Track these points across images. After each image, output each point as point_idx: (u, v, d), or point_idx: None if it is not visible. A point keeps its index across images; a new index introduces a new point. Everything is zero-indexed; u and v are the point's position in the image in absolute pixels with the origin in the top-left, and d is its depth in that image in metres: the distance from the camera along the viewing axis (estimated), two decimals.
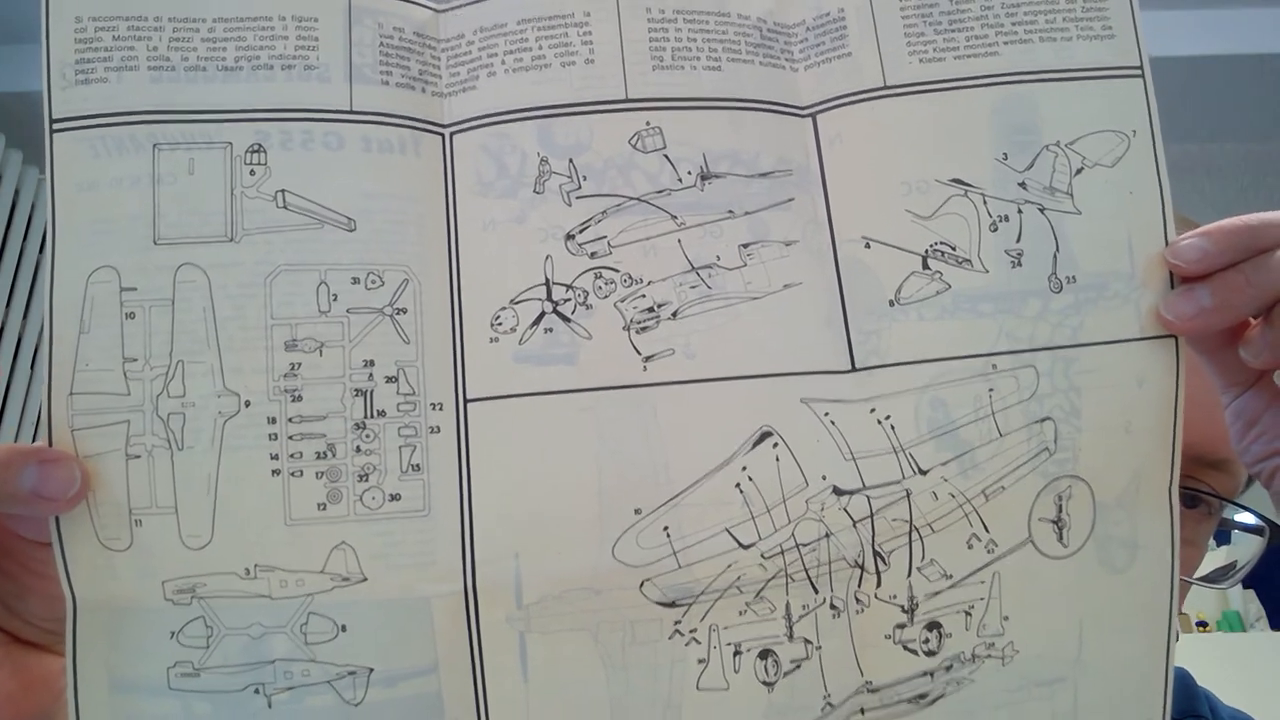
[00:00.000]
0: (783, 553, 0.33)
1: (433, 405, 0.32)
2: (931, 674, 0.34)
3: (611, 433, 0.32)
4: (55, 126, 0.31)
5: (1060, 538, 0.34)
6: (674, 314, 0.33)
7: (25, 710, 0.32)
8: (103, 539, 0.30)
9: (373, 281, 0.32)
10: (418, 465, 0.31)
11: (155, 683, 0.30)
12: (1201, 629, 2.09)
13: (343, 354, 0.31)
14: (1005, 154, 0.35)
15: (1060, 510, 0.34)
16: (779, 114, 0.35)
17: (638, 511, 0.32)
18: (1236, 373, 0.35)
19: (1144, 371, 0.34)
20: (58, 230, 0.30)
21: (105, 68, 0.31)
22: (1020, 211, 0.34)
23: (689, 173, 0.33)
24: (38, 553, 0.32)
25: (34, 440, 0.33)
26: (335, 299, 0.31)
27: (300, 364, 0.31)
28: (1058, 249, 0.34)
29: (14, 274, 1.97)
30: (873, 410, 0.33)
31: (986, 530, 0.34)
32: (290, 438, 0.31)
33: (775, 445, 0.33)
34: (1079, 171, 0.35)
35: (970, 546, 0.34)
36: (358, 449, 0.31)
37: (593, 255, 0.33)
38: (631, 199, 0.33)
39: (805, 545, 0.33)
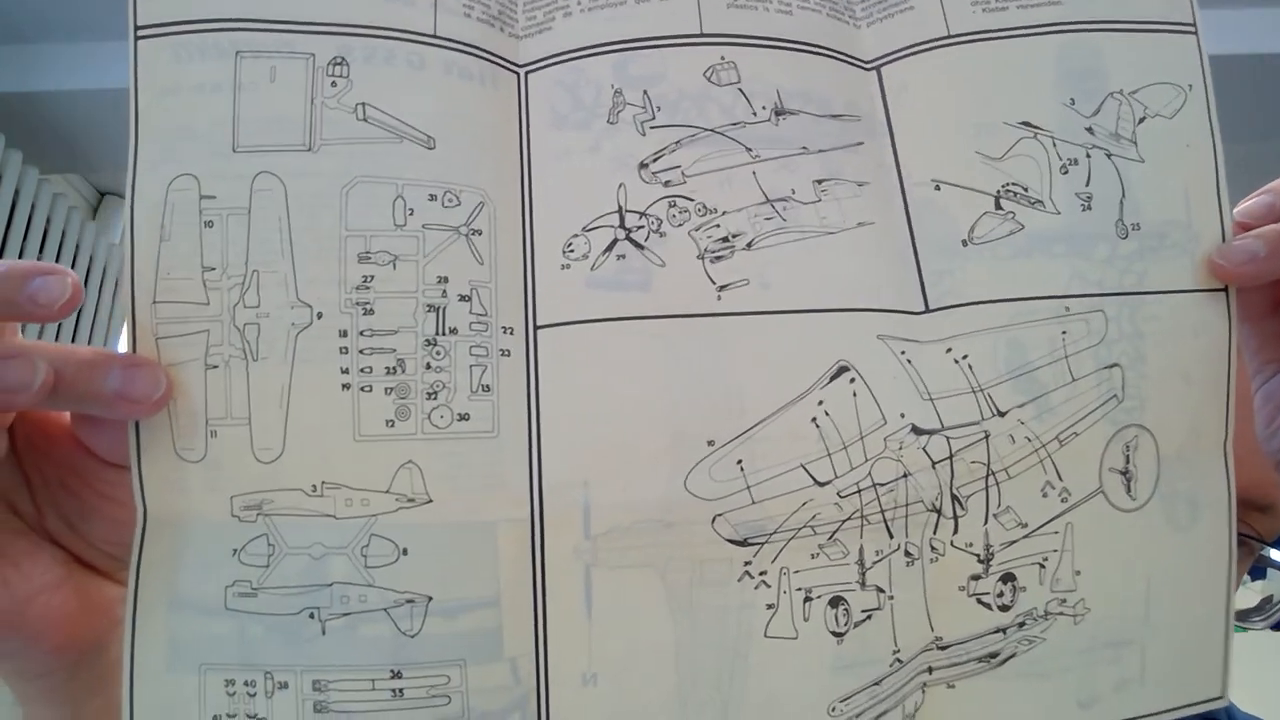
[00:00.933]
0: (859, 492, 0.31)
1: (504, 329, 0.31)
2: (1004, 630, 0.33)
3: (685, 361, 0.31)
4: (140, 33, 0.30)
5: (1128, 489, 0.34)
6: (749, 244, 0.32)
7: (82, 633, 0.31)
8: (179, 449, 0.29)
9: (449, 200, 0.31)
10: (488, 386, 0.30)
11: (213, 602, 0.29)
12: None
13: (416, 269, 0.30)
14: (1072, 99, 0.35)
15: (1128, 461, 0.34)
16: (846, 63, 0.35)
17: (710, 443, 0.31)
18: (1275, 346, 0.35)
19: (1199, 323, 0.34)
20: (140, 137, 0.30)
21: None
22: (1089, 156, 0.34)
23: (763, 108, 0.33)
24: (107, 474, 0.31)
25: None
26: (411, 213, 0.30)
27: (373, 276, 0.30)
28: (1124, 195, 0.34)
29: None
30: (949, 350, 0.33)
31: (1060, 478, 0.33)
32: (361, 351, 0.29)
33: (853, 380, 0.32)
34: (1141, 120, 0.35)
35: (1045, 494, 0.33)
36: (428, 365, 0.30)
37: (666, 184, 0.32)
38: (706, 130, 0.33)
39: (882, 485, 0.32)
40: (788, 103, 0.33)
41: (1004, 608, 0.33)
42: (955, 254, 0.33)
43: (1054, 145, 0.34)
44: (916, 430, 0.32)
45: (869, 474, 0.32)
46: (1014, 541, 0.33)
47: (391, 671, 0.30)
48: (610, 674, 0.31)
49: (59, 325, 1.97)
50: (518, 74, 0.33)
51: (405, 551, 0.29)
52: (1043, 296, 0.33)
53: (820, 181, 0.33)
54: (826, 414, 0.31)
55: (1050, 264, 0.34)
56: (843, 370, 0.32)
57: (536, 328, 0.31)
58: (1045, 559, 0.33)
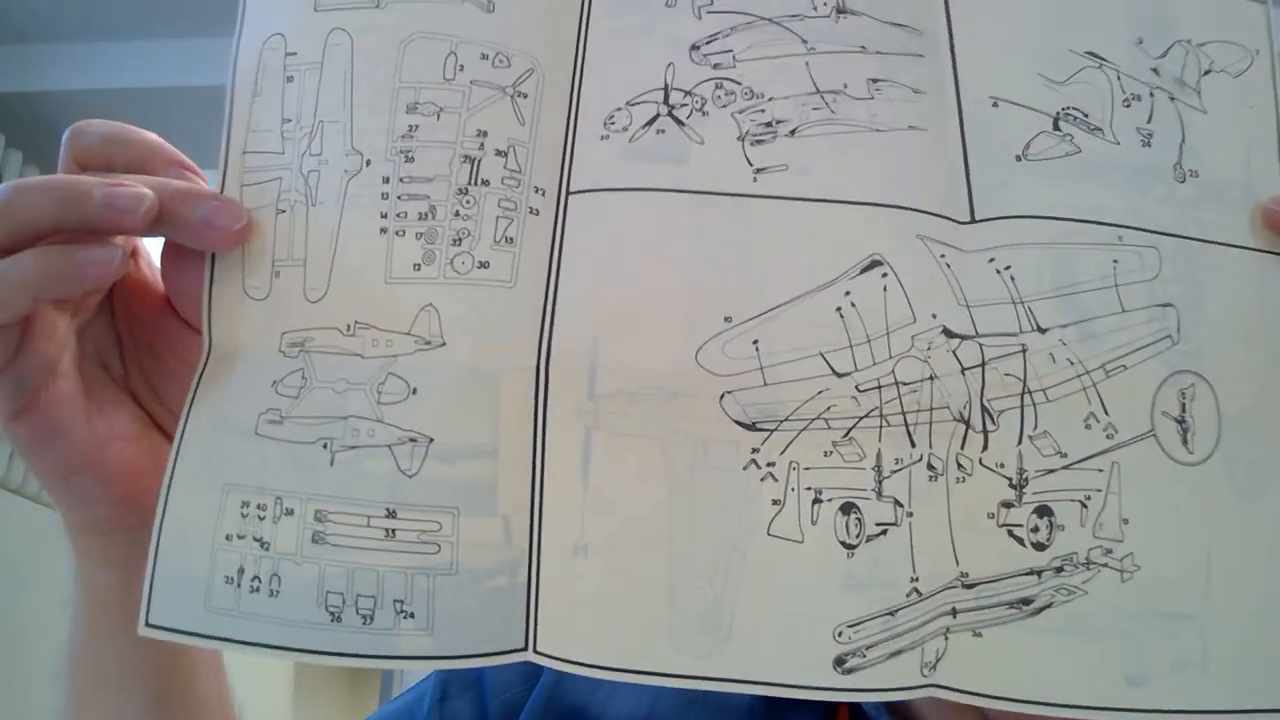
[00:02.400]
0: (880, 388, 0.30)
1: (536, 189, 0.31)
2: (1039, 574, 0.30)
3: (712, 236, 0.30)
4: None
5: (1185, 440, 0.31)
6: (792, 132, 0.32)
7: (143, 490, 0.33)
8: (248, 288, 0.31)
9: (500, 61, 0.31)
10: (511, 238, 0.30)
11: (246, 426, 0.31)
12: None
13: (458, 120, 0.31)
14: (1140, 39, 0.34)
15: (1184, 409, 0.31)
16: None
17: (728, 319, 0.30)
18: None
19: (1264, 285, 0.32)
20: (247, 5, 0.33)
21: None
22: (1152, 95, 0.33)
23: (824, 3, 0.33)
24: (186, 337, 0.34)
25: None
26: (461, 69, 0.31)
27: (418, 126, 0.31)
28: (1184, 140, 0.33)
29: None
30: (992, 260, 0.31)
31: (1106, 412, 0.31)
32: (399, 197, 0.30)
33: (885, 275, 0.31)
34: (1207, 72, 0.34)
35: (1089, 426, 0.31)
36: (456, 213, 0.30)
37: (715, 66, 0.32)
38: (763, 19, 0.32)
39: (906, 384, 0.30)
40: (850, 3, 0.33)
41: (1039, 545, 0.30)
42: (1008, 167, 0.32)
43: (1118, 79, 0.33)
44: (948, 333, 0.30)
45: (892, 371, 0.30)
46: (1052, 471, 0.31)
47: (387, 510, 0.30)
48: (601, 547, 0.30)
49: None
50: None
51: (415, 390, 0.30)
52: (1096, 221, 0.32)
53: (875, 80, 0.32)
54: (853, 305, 0.30)
55: (1105, 191, 0.32)
56: (875, 264, 0.31)
57: (569, 193, 0.31)
58: (1088, 498, 0.31)
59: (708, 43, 0.32)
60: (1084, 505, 0.31)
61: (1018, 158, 0.32)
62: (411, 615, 0.30)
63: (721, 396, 0.30)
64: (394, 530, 0.30)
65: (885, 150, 0.32)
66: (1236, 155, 0.33)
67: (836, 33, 0.33)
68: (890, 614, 0.30)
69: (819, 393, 0.30)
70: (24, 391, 0.32)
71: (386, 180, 0.31)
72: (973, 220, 0.32)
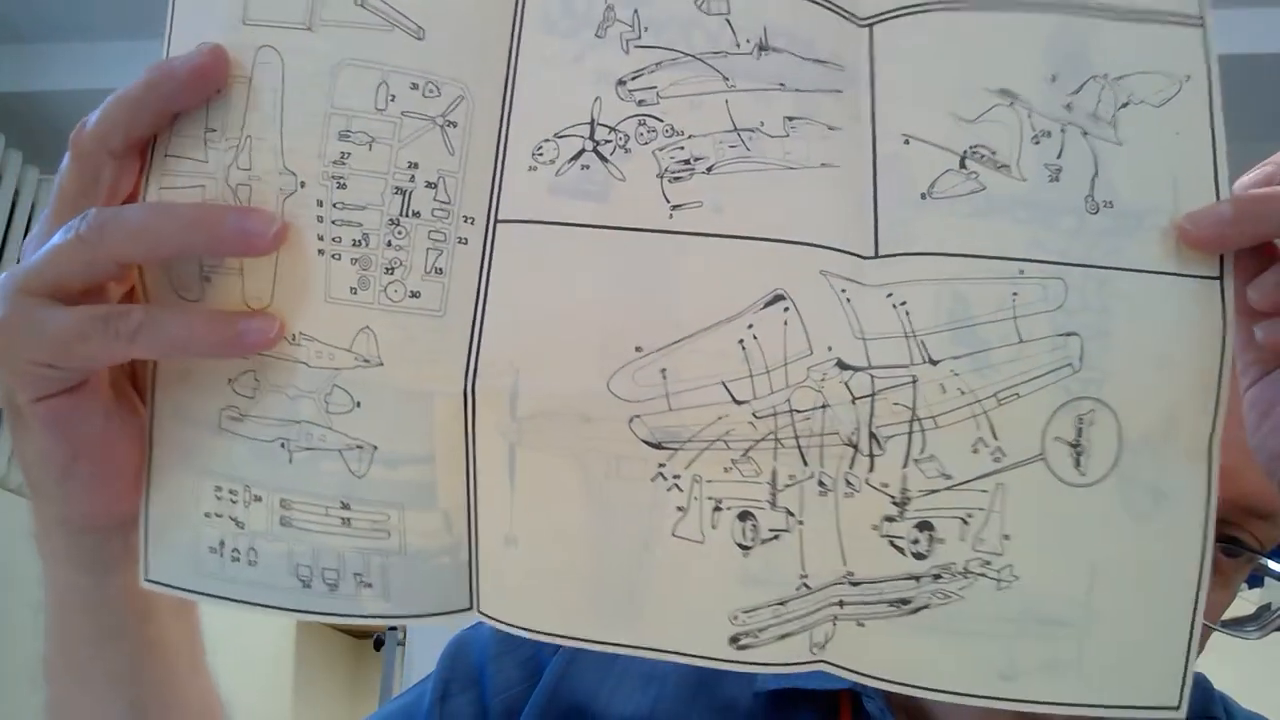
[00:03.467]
0: (775, 415, 0.33)
1: (465, 218, 0.33)
2: (917, 579, 0.33)
3: (628, 272, 0.33)
4: None
5: (1077, 464, 0.33)
6: (709, 169, 0.34)
7: (125, 491, 0.35)
8: (177, 288, 0.33)
9: (430, 91, 0.33)
10: (440, 269, 0.33)
11: (210, 420, 0.34)
12: None
13: (390, 152, 0.33)
14: (1054, 75, 0.34)
15: (1079, 434, 0.33)
16: (839, 16, 0.35)
17: (638, 349, 0.33)
18: (1258, 346, 0.34)
19: (1183, 309, 0.33)
20: (175, 9, 0.34)
21: None
22: (1063, 131, 0.34)
23: (748, 40, 0.34)
24: None
25: None
26: (393, 99, 0.33)
27: (350, 154, 0.33)
28: (1097, 173, 0.34)
29: None
30: (890, 295, 0.33)
31: (995, 437, 0.33)
32: (333, 222, 0.33)
33: (786, 309, 0.33)
34: (1124, 106, 0.34)
35: (976, 450, 0.33)
36: (389, 243, 0.33)
37: (640, 103, 0.34)
38: (688, 55, 0.34)
39: (799, 412, 0.33)
40: (773, 40, 0.34)
41: (918, 555, 0.33)
42: (913, 206, 0.34)
43: (1029, 116, 0.34)
44: (841, 365, 0.33)
45: (787, 400, 0.33)
46: (935, 491, 0.33)
47: (341, 503, 0.34)
48: (528, 540, 0.34)
49: None
50: None
51: (359, 404, 0.33)
52: (996, 256, 0.33)
53: (791, 119, 0.34)
54: (754, 337, 0.33)
55: (1009, 227, 0.33)
56: (778, 298, 0.33)
57: (497, 221, 0.33)
58: (969, 515, 0.33)
59: (633, 78, 0.34)
60: (964, 522, 0.33)
61: (923, 195, 0.34)
62: (370, 585, 0.34)
63: (630, 420, 0.33)
64: (349, 519, 0.34)
65: (796, 187, 0.34)
66: (1159, 183, 0.34)
67: (758, 69, 0.34)
68: (781, 604, 0.33)
69: (719, 418, 0.33)
70: (71, 375, 0.32)
71: (320, 204, 0.33)
72: (876, 255, 0.33)
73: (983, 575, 0.33)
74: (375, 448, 0.33)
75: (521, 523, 0.33)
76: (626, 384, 0.32)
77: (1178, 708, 0.33)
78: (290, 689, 3.04)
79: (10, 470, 1.91)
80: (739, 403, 0.33)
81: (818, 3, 0.35)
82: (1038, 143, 0.34)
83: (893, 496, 0.33)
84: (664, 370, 0.33)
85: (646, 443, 0.33)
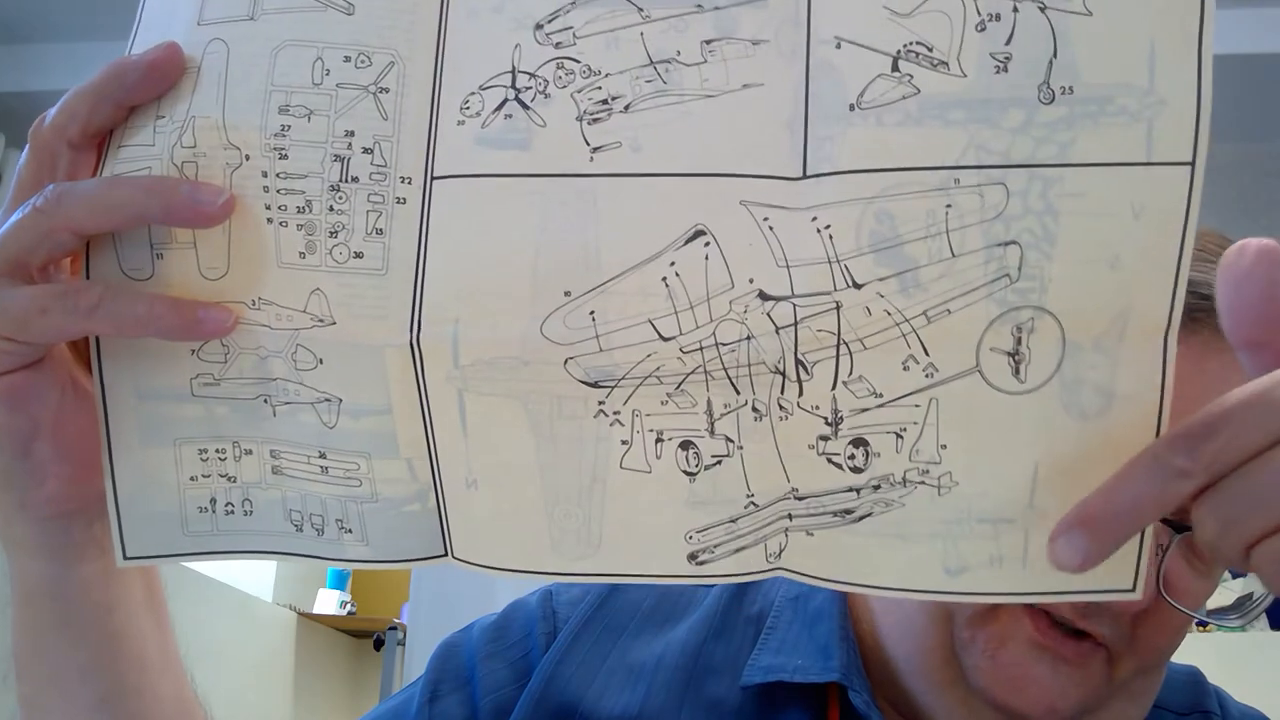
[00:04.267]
0: (701, 349, 0.33)
1: (402, 179, 0.35)
2: (858, 490, 0.34)
3: (553, 218, 0.34)
4: None
5: (1016, 372, 0.33)
6: (626, 107, 0.34)
7: (88, 476, 0.37)
8: (125, 269, 0.36)
9: (362, 61, 0.35)
10: (380, 230, 0.35)
11: (180, 391, 0.37)
12: (1201, 628, 1.82)
13: (327, 123, 0.35)
14: None
15: (1019, 343, 0.32)
16: None
17: (567, 294, 0.34)
18: None
19: (1144, 201, 0.31)
20: (142, 18, 0.37)
21: None
22: (1016, 10, 0.31)
23: None
24: None
25: None
26: (328, 74, 0.35)
27: (290, 126, 0.35)
28: (1055, 54, 0.31)
29: None
30: (814, 219, 0.33)
31: (926, 354, 0.33)
32: (278, 191, 0.35)
33: (707, 244, 0.33)
34: None
35: (906, 368, 0.33)
36: (330, 208, 0.35)
37: (557, 45, 0.34)
38: None
39: (725, 345, 0.33)
40: None
41: (856, 469, 0.34)
42: (840, 119, 0.33)
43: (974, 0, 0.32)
44: (764, 296, 0.33)
45: (712, 334, 0.33)
46: (866, 409, 0.33)
47: (319, 452, 0.37)
48: (487, 481, 0.36)
49: None
50: None
51: (321, 361, 0.36)
52: (925, 167, 0.32)
53: (710, 42, 0.33)
54: (677, 275, 0.33)
55: (944, 131, 0.32)
56: (699, 234, 0.33)
57: (433, 178, 0.35)
58: (903, 429, 0.34)
59: (549, 20, 0.34)
60: (899, 436, 0.34)
61: (851, 107, 0.33)
62: (350, 530, 0.38)
63: (565, 361, 0.34)
64: (326, 468, 0.37)
65: (714, 116, 0.33)
66: (1134, 57, 0.31)
67: None
68: (732, 521, 0.35)
69: (648, 355, 0.34)
70: (29, 351, 0.34)
71: (265, 175, 0.35)
72: (804, 176, 0.33)
73: (921, 483, 0.34)
74: (340, 400, 0.36)
75: (478, 465, 0.36)
76: (558, 328, 0.34)
77: (1133, 589, 0.33)
78: (290, 689, 3.05)
79: None
80: (665, 339, 0.34)
81: None
82: (983, 29, 0.32)
83: (825, 418, 0.34)
84: (592, 312, 0.34)
85: (584, 383, 0.34)
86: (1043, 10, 0.31)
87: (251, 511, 0.38)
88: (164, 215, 0.34)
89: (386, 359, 0.35)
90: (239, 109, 0.35)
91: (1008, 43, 0.31)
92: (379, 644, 3.16)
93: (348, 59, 0.35)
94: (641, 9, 0.34)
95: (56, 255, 0.34)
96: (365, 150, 0.35)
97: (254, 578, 3.07)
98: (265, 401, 0.37)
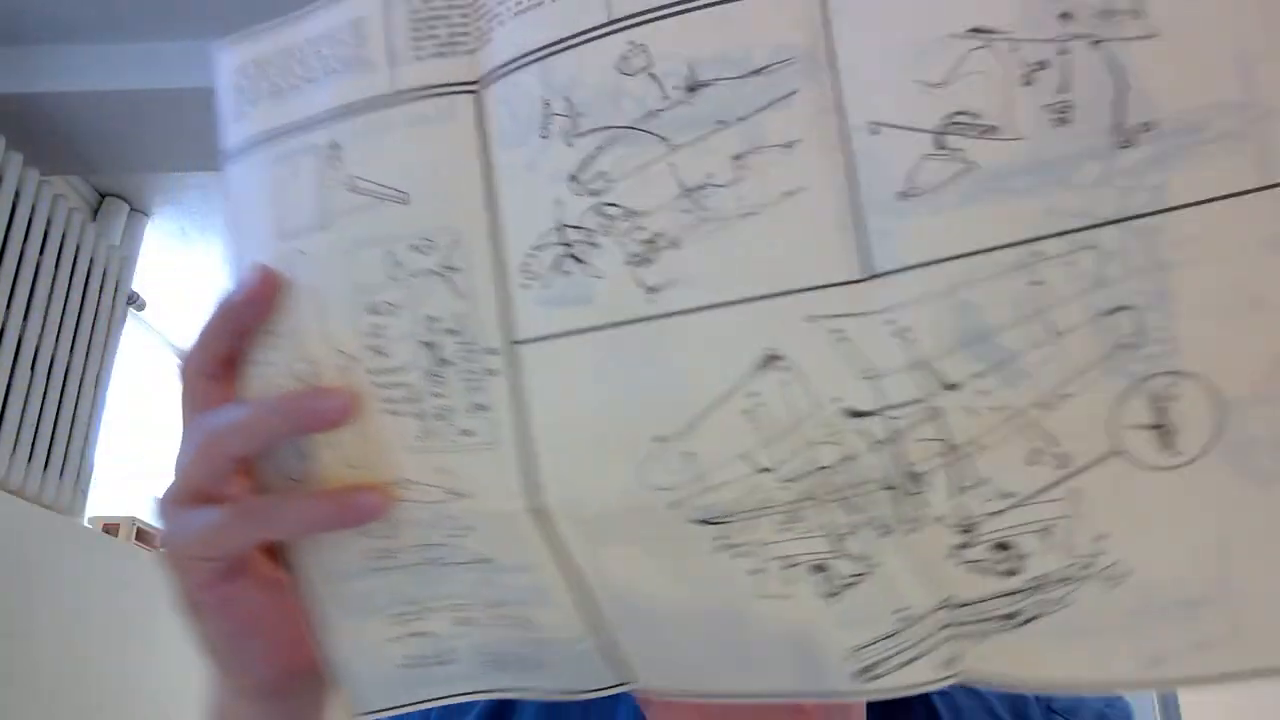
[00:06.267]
0: (804, 477, 0.32)
1: (488, 350, 0.36)
2: (1015, 594, 0.31)
3: (629, 365, 0.33)
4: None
5: (1168, 445, 0.28)
6: (672, 243, 0.32)
7: (301, 658, 0.41)
8: (285, 475, 0.39)
9: (426, 247, 0.36)
10: (481, 405, 0.36)
11: (355, 570, 0.40)
12: None
13: (411, 314, 0.36)
14: None
15: (1162, 414, 0.28)
16: None
17: (659, 439, 0.33)
18: None
19: (1275, 229, 0.26)
20: (228, 233, 0.40)
21: (245, 101, 0.39)
22: (1066, 51, 0.27)
23: (675, 87, 0.32)
24: None
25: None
26: (399, 265, 0.36)
27: (380, 325, 0.36)
28: (1128, 87, 0.26)
29: (14, 275, 1.98)
30: (889, 322, 0.30)
31: (1057, 444, 0.29)
32: (386, 386, 0.37)
33: (783, 369, 0.31)
34: None
35: (1033, 464, 0.29)
36: (433, 394, 0.36)
37: (593, 193, 0.33)
38: (621, 128, 0.32)
39: (826, 468, 0.31)
40: (701, 73, 0.31)
41: (1008, 573, 0.31)
42: (893, 211, 0.29)
43: (1013, 50, 0.27)
44: (852, 413, 0.31)
45: (811, 460, 0.31)
46: (999, 512, 0.30)
47: (492, 604, 0.39)
48: (642, 623, 0.37)
49: (44, 327, 2.03)
50: (474, 92, 0.35)
51: (469, 528, 0.38)
52: (998, 246, 0.28)
53: (739, 157, 0.31)
54: (759, 405, 0.32)
55: (1011, 203, 0.28)
56: (772, 359, 0.31)
57: (514, 343, 0.35)
58: (1048, 527, 0.30)
59: (581, 169, 0.33)
60: (1045, 533, 0.30)
61: (902, 195, 0.29)
62: (541, 666, 0.40)
63: (673, 506, 0.34)
64: (502, 615, 0.39)
65: (760, 234, 0.31)
66: (1220, 70, 0.26)
67: (693, 115, 0.31)
68: (889, 637, 0.33)
69: (751, 490, 0.32)
70: (224, 563, 0.39)
71: (370, 372, 0.37)
72: (870, 277, 0.30)
73: (1087, 578, 0.30)
74: (491, 560, 0.38)
75: (622, 609, 0.36)
76: (658, 473, 0.33)
77: None
78: None
79: (10, 470, 1.95)
80: (763, 472, 0.32)
81: None
82: (1030, 82, 0.28)
83: (956, 527, 0.31)
84: (686, 454, 0.33)
85: (694, 522, 0.34)
86: (1096, 44, 0.26)
87: (451, 660, 0.41)
88: (298, 427, 0.38)
89: (519, 523, 0.36)
90: (333, 316, 0.37)
91: (1062, 90, 0.27)
92: None
93: (414, 247, 0.36)
94: (665, 138, 0.32)
95: (223, 478, 0.39)
96: (449, 331, 0.36)
97: None
98: (434, 565, 0.39)
